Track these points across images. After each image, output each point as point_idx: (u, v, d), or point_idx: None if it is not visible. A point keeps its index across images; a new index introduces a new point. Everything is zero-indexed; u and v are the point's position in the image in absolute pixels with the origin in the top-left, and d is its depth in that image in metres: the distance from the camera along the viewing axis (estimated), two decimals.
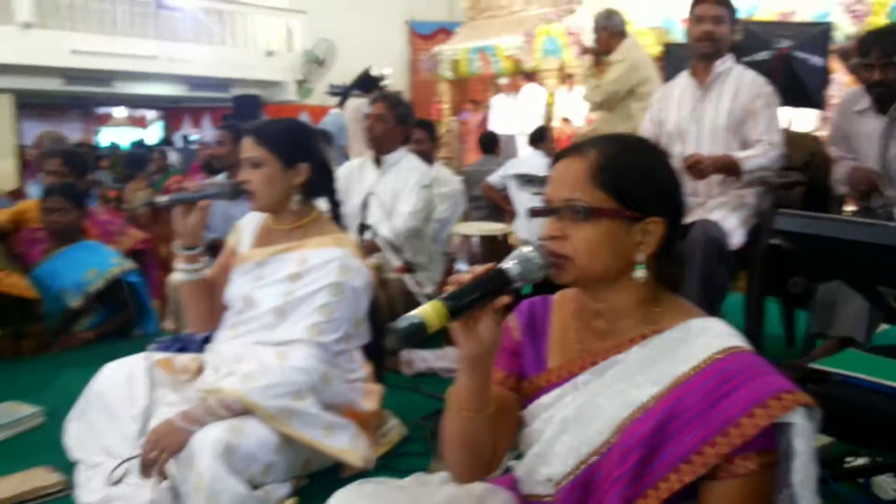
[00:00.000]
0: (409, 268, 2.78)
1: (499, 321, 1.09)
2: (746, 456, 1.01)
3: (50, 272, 3.23)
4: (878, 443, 1.85)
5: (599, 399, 1.12)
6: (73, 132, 12.26)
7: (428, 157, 4.04)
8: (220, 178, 3.93)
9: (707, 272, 2.43)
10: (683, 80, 2.88)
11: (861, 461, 1.94)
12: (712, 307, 2.37)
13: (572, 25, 9.94)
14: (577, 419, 1.13)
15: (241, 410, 1.79)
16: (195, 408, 1.78)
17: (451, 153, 11.11)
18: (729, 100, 2.73)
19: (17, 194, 6.26)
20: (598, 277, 1.12)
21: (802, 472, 1.03)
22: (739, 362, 1.05)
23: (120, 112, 14.85)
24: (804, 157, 2.96)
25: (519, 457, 1.27)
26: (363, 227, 2.72)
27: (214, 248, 2.53)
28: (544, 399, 1.19)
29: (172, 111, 14.66)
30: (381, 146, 3.28)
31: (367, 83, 6.44)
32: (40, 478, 1.94)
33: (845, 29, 7.19)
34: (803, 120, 5.18)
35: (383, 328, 2.27)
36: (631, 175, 1.12)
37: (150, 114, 14.95)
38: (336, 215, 2.14)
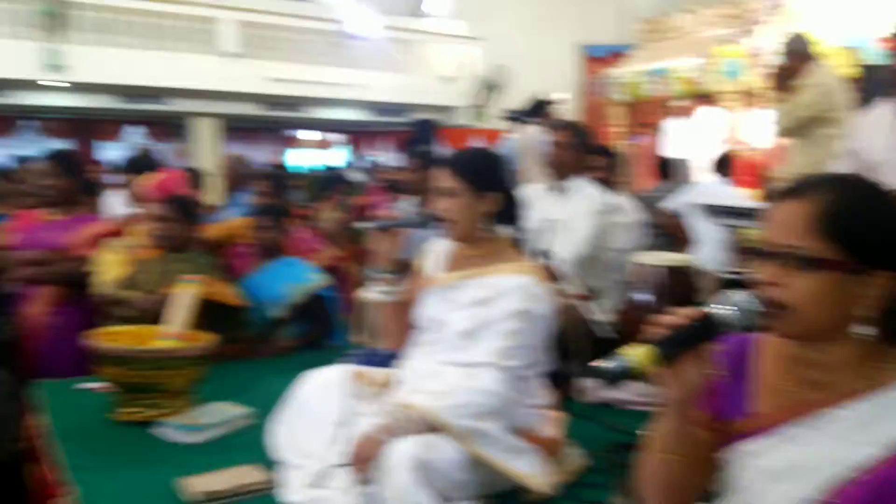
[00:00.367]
0: (588, 295, 2.78)
1: (706, 366, 1.08)
2: None
3: (255, 285, 3.50)
4: None
5: (813, 454, 1.07)
6: (261, 154, 13.27)
7: (608, 183, 4.02)
8: (406, 202, 4.13)
9: None
10: (886, 107, 2.67)
11: None
12: None
13: (752, 46, 9.47)
14: (789, 472, 1.09)
15: (432, 427, 1.87)
16: (391, 421, 1.89)
17: (625, 178, 10.88)
18: None
19: (210, 209, 6.84)
20: (817, 330, 1.07)
21: None
22: None
23: (307, 135, 15.91)
24: None
25: (707, 498, 1.24)
26: (543, 254, 2.75)
27: (403, 269, 2.67)
28: (750, 446, 1.15)
29: (354, 134, 15.54)
30: (562, 172, 3.32)
31: (538, 109, 6.52)
32: (250, 475, 2.08)
33: None
34: None
35: (567, 355, 2.29)
36: (860, 226, 1.06)
37: (334, 137, 15.91)
38: (520, 242, 2.20)
